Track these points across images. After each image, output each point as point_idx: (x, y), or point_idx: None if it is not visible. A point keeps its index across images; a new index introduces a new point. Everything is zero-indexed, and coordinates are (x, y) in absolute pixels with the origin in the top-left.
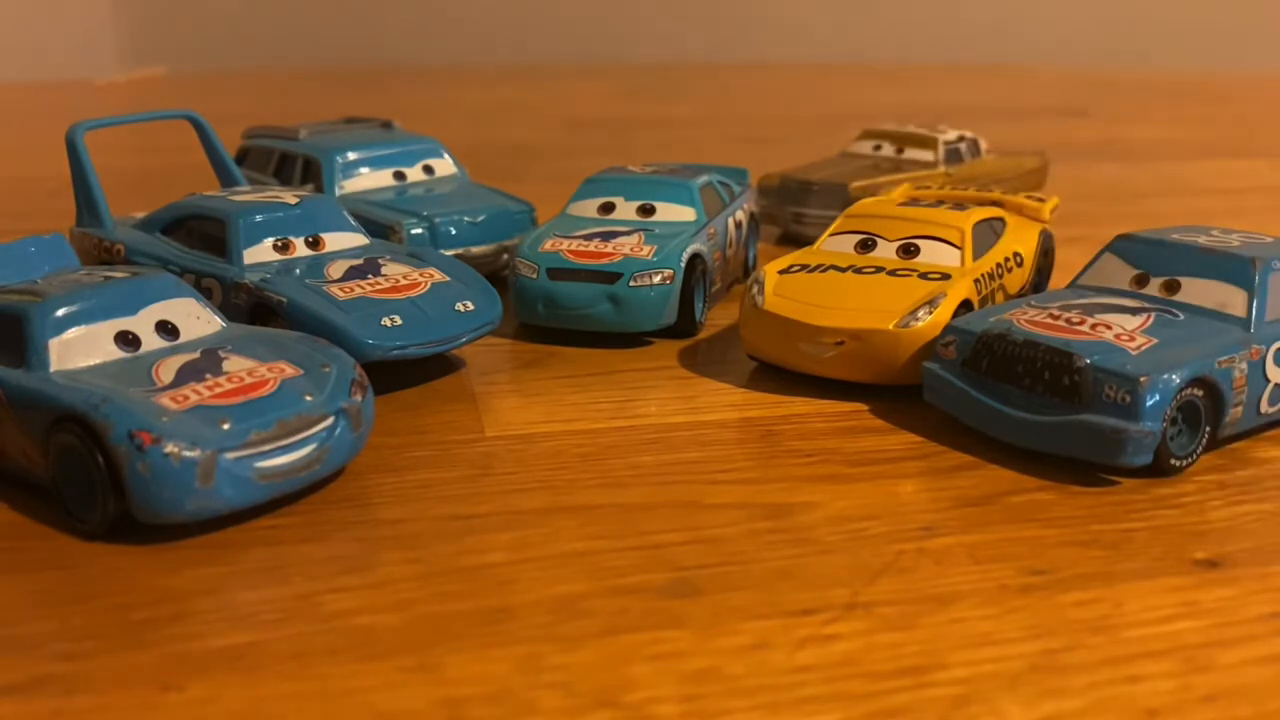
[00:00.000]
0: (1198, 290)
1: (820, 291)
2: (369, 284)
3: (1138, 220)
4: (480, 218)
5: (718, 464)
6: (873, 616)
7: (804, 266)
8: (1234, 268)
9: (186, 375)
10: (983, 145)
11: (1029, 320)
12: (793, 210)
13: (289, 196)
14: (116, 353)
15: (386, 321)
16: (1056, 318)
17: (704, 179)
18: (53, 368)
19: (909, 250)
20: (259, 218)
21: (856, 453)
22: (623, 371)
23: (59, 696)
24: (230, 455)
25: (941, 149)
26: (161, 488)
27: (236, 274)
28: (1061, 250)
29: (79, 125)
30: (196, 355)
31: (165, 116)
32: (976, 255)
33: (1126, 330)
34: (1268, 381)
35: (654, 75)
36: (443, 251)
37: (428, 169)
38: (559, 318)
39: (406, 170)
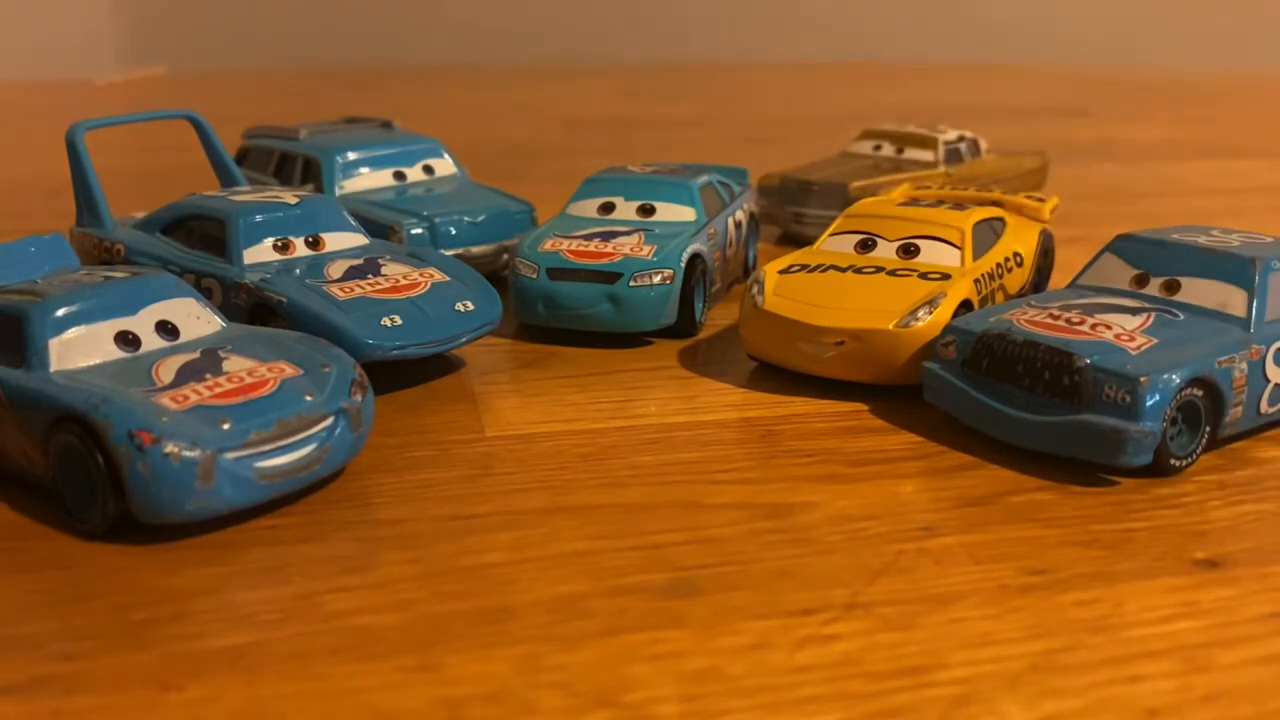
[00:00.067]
0: (1198, 290)
1: (820, 291)
2: (369, 284)
3: (1137, 220)
4: (480, 218)
5: (718, 464)
6: (873, 616)
7: (804, 266)
8: (1234, 268)
9: (186, 375)
10: (983, 145)
11: (1029, 320)
12: (793, 210)
13: (289, 196)
14: (116, 353)
15: (386, 321)
16: (1056, 318)
17: (704, 179)
18: (53, 368)
19: (909, 250)
20: (259, 218)
21: (856, 453)
22: (623, 371)
23: (59, 696)
24: (230, 455)
25: (941, 149)
26: (161, 488)
27: (236, 274)
28: (1061, 250)
29: (79, 125)
30: (196, 355)
31: (165, 116)
32: (976, 255)
33: (1126, 330)
34: (1268, 381)
35: (654, 75)
36: (443, 251)
37: (428, 169)
38: (559, 318)
39: (406, 170)
